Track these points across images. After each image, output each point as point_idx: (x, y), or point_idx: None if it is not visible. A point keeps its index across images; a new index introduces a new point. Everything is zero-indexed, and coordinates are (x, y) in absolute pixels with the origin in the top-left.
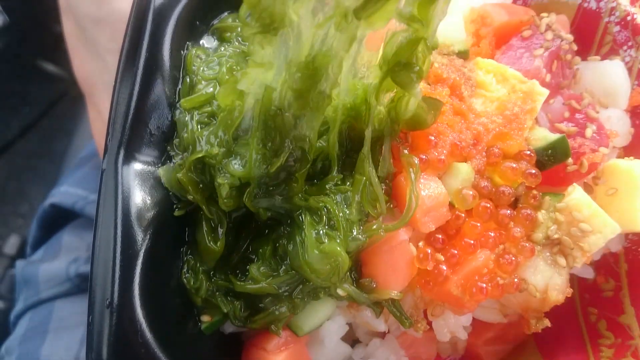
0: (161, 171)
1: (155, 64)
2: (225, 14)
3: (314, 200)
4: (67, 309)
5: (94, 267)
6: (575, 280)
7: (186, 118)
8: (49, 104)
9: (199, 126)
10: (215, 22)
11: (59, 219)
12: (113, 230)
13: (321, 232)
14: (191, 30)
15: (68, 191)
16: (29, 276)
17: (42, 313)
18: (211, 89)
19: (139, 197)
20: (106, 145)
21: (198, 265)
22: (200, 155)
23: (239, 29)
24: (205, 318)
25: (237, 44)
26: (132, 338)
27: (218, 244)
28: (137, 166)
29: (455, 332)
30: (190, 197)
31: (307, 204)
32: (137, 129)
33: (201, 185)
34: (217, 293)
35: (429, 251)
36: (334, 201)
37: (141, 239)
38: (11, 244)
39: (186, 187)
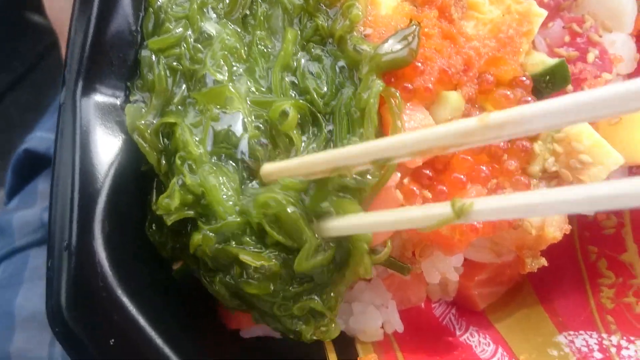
0: (128, 109)
1: None
2: None
3: None
4: (42, 257)
5: (52, 208)
6: (574, 218)
7: (152, 59)
8: (39, 57)
9: (166, 72)
10: None
11: (35, 164)
12: (71, 167)
13: None
14: None
15: (42, 136)
16: (4, 225)
17: (17, 263)
18: (181, 29)
19: (101, 132)
20: (64, 77)
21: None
22: (169, 121)
23: None
24: (176, 265)
25: None
26: (92, 282)
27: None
28: (98, 98)
29: (445, 274)
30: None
31: None
32: (96, 60)
33: (163, 150)
34: (184, 249)
35: (415, 189)
36: None
37: (102, 177)
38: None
39: (143, 148)
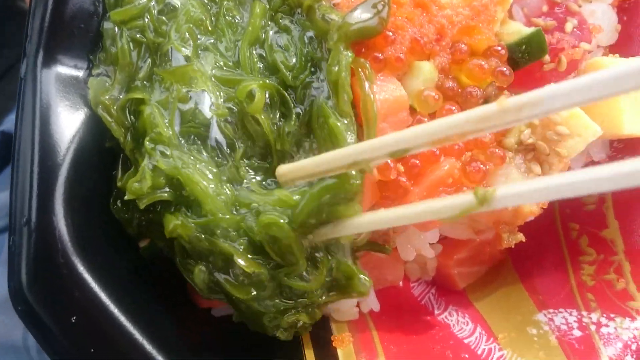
0: (91, 82)
1: None
2: None
3: None
4: None
5: (13, 184)
6: None
7: (115, 31)
8: None
9: (130, 45)
10: None
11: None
12: (30, 141)
13: None
14: None
15: None
16: None
17: None
18: (144, 0)
19: (62, 105)
20: (24, 49)
21: None
22: (136, 96)
23: None
24: (143, 242)
25: None
26: (52, 258)
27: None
28: (59, 70)
29: (420, 250)
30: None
31: None
32: (57, 30)
33: (129, 127)
34: (152, 226)
35: (390, 162)
36: None
37: (63, 151)
38: None
39: (109, 124)
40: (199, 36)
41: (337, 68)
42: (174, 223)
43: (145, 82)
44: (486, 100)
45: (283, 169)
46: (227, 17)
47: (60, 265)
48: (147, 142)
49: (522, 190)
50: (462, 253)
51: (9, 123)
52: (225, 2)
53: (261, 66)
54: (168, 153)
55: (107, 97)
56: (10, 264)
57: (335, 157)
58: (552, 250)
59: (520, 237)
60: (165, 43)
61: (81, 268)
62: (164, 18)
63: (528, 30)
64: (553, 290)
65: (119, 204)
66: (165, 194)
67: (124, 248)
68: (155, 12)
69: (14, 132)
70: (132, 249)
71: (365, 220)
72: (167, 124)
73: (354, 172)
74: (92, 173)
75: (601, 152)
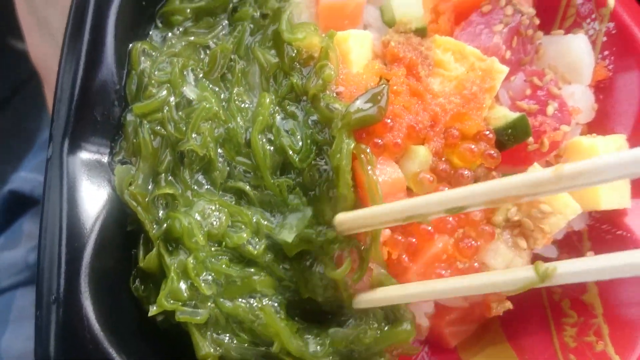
0: (118, 170)
1: (100, 47)
2: None
3: None
4: (28, 297)
5: (40, 261)
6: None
7: (137, 123)
8: (21, 82)
9: (151, 136)
10: (161, 5)
11: (20, 205)
12: (58, 221)
13: None
14: (136, 12)
15: (27, 177)
16: None
17: (2, 303)
18: (164, 93)
19: (87, 188)
20: (51, 133)
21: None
22: (166, 192)
23: (188, 10)
24: (160, 316)
25: (185, 30)
26: (80, 333)
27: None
28: (83, 155)
29: (417, 319)
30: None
31: None
32: (82, 117)
33: (157, 218)
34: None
35: (400, 237)
36: None
37: (89, 231)
38: None
39: (140, 215)
40: (215, 130)
41: (339, 155)
42: (207, 352)
43: (170, 178)
44: (476, 180)
45: (341, 218)
46: (237, 102)
47: (87, 340)
48: (190, 261)
49: (582, 269)
50: (453, 314)
51: (17, 181)
52: (236, 89)
53: (271, 149)
54: (211, 287)
55: (132, 186)
56: (37, 336)
57: (393, 210)
58: (537, 312)
59: (508, 305)
60: (185, 143)
61: (106, 343)
62: (181, 114)
63: (513, 115)
64: (538, 350)
65: (138, 282)
66: (198, 317)
67: (143, 320)
68: (173, 105)
69: (41, 210)
70: (150, 320)
71: (415, 292)
72: (202, 241)
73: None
74: (114, 252)
75: (581, 223)
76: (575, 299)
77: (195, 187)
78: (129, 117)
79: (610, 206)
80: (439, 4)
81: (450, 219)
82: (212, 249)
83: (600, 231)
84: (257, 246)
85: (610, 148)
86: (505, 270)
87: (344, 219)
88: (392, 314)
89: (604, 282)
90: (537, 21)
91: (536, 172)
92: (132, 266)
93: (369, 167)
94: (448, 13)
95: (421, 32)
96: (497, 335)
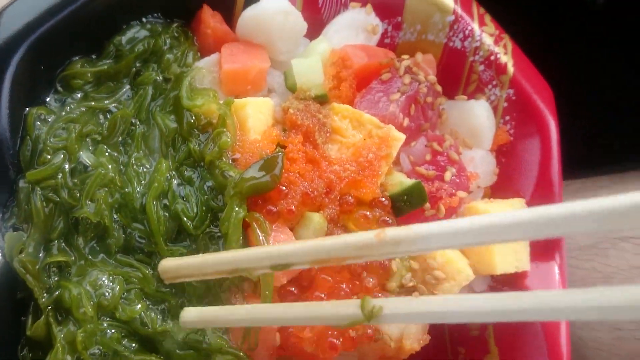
0: (8, 237)
1: None
2: (76, 58)
3: None
4: None
5: None
6: None
7: (29, 190)
8: None
9: (43, 203)
10: (62, 69)
11: None
12: None
13: None
14: (35, 76)
15: None
16: None
17: None
18: (59, 159)
19: None
20: None
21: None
22: (57, 259)
23: (89, 74)
24: None
25: (85, 94)
26: None
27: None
28: None
29: None
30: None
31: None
32: None
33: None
34: None
35: None
36: None
37: None
38: None
39: (29, 283)
40: (109, 197)
41: (227, 223)
42: None
43: (63, 245)
44: None
45: (166, 265)
46: (135, 167)
47: None
48: (79, 335)
49: (409, 310)
50: None
51: None
52: (135, 154)
53: (166, 215)
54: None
55: (23, 254)
56: None
57: (220, 261)
58: None
59: None
60: (79, 210)
61: None
62: (76, 180)
63: (409, 182)
64: None
65: (27, 352)
66: None
67: None
68: (67, 171)
69: None
70: None
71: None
72: (91, 312)
73: None
74: (3, 319)
75: (482, 285)
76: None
77: (90, 256)
78: (22, 184)
79: (505, 270)
80: (341, 71)
81: (344, 285)
82: (104, 322)
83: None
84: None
85: None
86: (336, 304)
87: (169, 265)
88: None
89: (504, 344)
90: (438, 88)
91: (360, 235)
92: (21, 334)
93: (262, 235)
94: (350, 80)
95: (321, 99)
96: None
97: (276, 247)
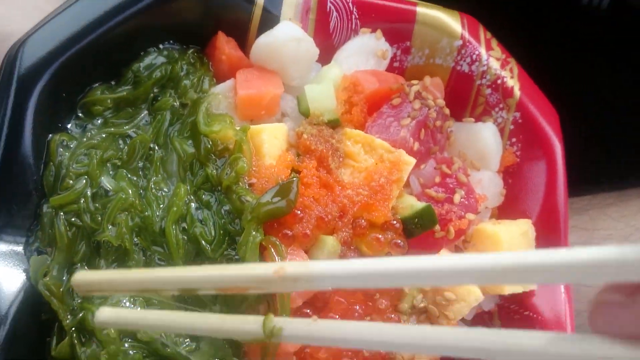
0: (33, 261)
1: (18, 140)
2: (96, 85)
3: None
4: None
5: None
6: None
7: (53, 214)
8: None
9: (67, 228)
10: (82, 95)
11: None
12: None
13: None
14: (57, 103)
15: None
16: None
17: None
18: (81, 184)
19: (0, 277)
20: None
21: None
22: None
23: (109, 101)
24: None
25: (105, 120)
26: None
27: None
28: None
29: None
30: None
31: None
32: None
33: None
34: None
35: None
36: None
37: (1, 319)
38: None
39: (54, 305)
40: (130, 221)
41: (244, 248)
42: None
43: (85, 268)
44: None
45: (77, 279)
46: (154, 191)
47: None
48: (103, 355)
49: (305, 334)
50: None
51: None
52: (154, 178)
53: (185, 238)
54: None
55: (47, 277)
56: None
57: (129, 279)
58: None
59: None
60: (100, 233)
61: None
62: (97, 205)
63: (420, 205)
64: None
65: None
66: None
67: None
68: (89, 196)
69: None
70: None
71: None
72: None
73: None
74: (28, 341)
75: (490, 303)
76: None
77: None
78: (45, 209)
79: (513, 290)
80: (352, 96)
81: (357, 307)
82: (126, 343)
83: (509, 311)
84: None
85: (514, 234)
86: (240, 318)
87: (80, 279)
88: None
89: None
90: (447, 111)
91: (259, 268)
92: (46, 354)
93: (278, 258)
94: (361, 105)
95: (334, 124)
96: None
97: (185, 271)
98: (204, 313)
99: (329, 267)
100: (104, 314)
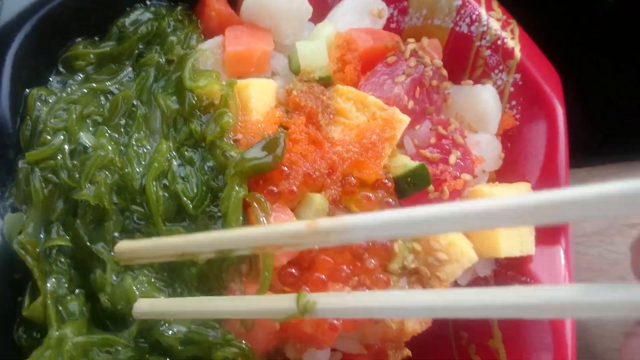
0: (8, 217)
1: None
2: (79, 40)
3: None
4: None
5: None
6: None
7: (28, 170)
8: None
9: (42, 184)
10: (64, 50)
11: None
12: None
13: None
14: (37, 56)
15: None
16: None
17: None
18: (59, 140)
19: None
20: None
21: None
22: (57, 243)
23: (92, 56)
24: None
25: (87, 76)
26: None
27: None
28: None
29: None
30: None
31: None
32: None
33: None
34: None
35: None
36: None
37: None
38: None
39: (30, 265)
40: (109, 178)
41: (227, 203)
42: None
43: (61, 228)
44: None
45: (122, 247)
46: (135, 148)
47: None
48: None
49: (342, 306)
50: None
51: None
52: (136, 135)
53: (165, 195)
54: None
55: (22, 235)
56: None
57: (170, 245)
58: (445, 356)
59: (406, 352)
60: (77, 192)
61: None
62: (75, 162)
63: (413, 164)
64: None
65: (21, 331)
66: None
67: None
68: (67, 152)
69: None
70: None
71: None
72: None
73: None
74: None
75: (486, 269)
76: (481, 344)
77: (88, 243)
78: (21, 164)
79: (510, 254)
80: (346, 54)
81: (345, 266)
82: None
83: (506, 277)
84: None
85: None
86: (272, 298)
87: (124, 248)
88: None
89: (508, 328)
90: (444, 72)
91: (293, 225)
92: (17, 314)
93: (262, 215)
94: (354, 62)
95: (325, 81)
96: None
97: (219, 232)
98: (238, 296)
99: (361, 218)
100: (142, 305)
